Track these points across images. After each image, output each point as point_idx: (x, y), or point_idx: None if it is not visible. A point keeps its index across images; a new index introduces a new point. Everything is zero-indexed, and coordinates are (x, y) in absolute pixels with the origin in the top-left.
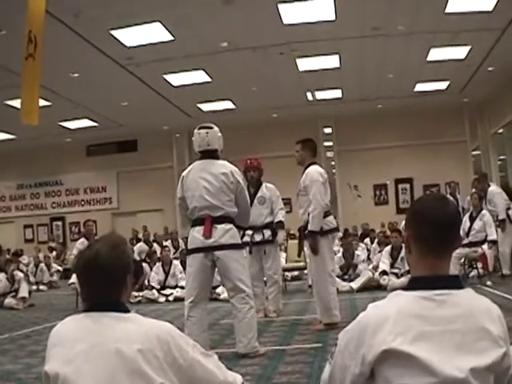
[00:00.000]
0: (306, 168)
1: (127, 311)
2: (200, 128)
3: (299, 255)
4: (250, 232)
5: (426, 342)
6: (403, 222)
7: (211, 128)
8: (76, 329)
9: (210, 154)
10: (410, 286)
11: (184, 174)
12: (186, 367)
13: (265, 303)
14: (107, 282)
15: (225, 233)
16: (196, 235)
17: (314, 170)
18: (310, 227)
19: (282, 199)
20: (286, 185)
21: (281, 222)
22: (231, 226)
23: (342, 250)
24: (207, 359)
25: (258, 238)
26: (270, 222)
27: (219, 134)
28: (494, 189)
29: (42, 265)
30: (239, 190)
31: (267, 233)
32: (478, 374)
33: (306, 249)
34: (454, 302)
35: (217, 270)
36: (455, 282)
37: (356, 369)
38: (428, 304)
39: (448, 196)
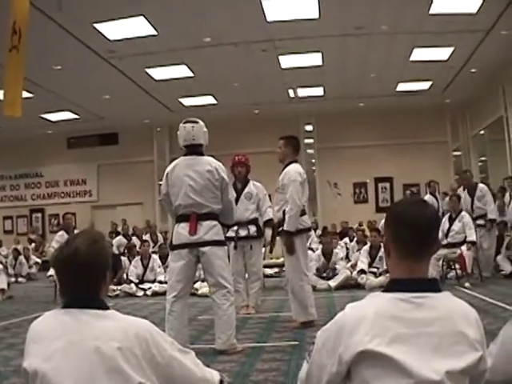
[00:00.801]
0: (286, 166)
1: (106, 308)
2: (185, 122)
3: (271, 251)
4: (235, 227)
5: (403, 344)
6: (382, 221)
7: (197, 122)
8: (55, 325)
9: (194, 149)
10: (389, 288)
11: (168, 169)
12: (164, 364)
13: (246, 299)
14: (86, 279)
15: (209, 229)
16: (181, 231)
17: (294, 169)
18: (285, 227)
19: None
20: (265, 181)
21: (270, 220)
22: (216, 222)
23: (321, 247)
24: (185, 356)
25: (243, 233)
26: (256, 218)
27: (205, 129)
28: (484, 186)
29: (21, 257)
30: (224, 187)
31: (252, 228)
32: (454, 376)
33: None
34: (431, 305)
35: (200, 265)
36: (433, 285)
37: (333, 368)
38: (406, 306)
39: (428, 196)
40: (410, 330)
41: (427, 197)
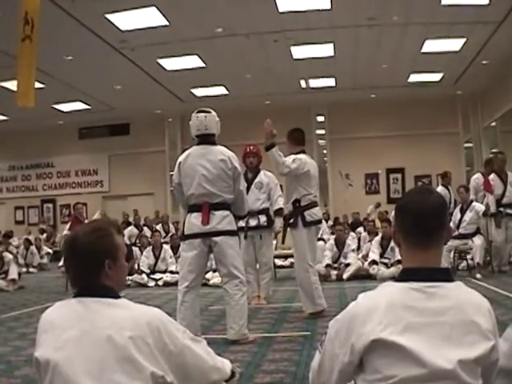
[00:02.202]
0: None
1: (118, 297)
2: (198, 112)
3: (283, 242)
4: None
5: (415, 333)
6: (393, 212)
7: (209, 112)
8: (66, 315)
9: (207, 139)
10: (401, 277)
11: (181, 159)
12: (177, 353)
13: (257, 290)
14: (84, 267)
15: (222, 219)
16: (193, 221)
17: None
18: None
19: None
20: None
21: (281, 209)
22: (228, 212)
23: (333, 237)
24: (197, 345)
25: (253, 222)
26: (266, 208)
27: (217, 119)
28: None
29: (33, 248)
30: (236, 176)
31: (262, 218)
32: (466, 366)
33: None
34: (443, 295)
35: (212, 255)
36: (445, 275)
37: (345, 357)
38: (418, 295)
39: (440, 187)
40: (423, 319)
41: (439, 188)
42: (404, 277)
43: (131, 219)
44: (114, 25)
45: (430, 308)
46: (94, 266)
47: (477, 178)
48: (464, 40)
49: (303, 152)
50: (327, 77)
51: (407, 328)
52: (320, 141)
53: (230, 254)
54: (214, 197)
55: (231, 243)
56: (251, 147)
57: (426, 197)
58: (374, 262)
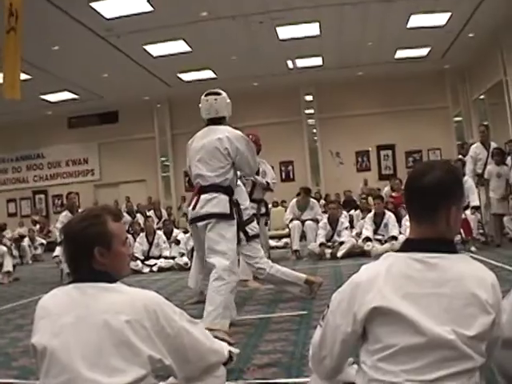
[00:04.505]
0: None
1: (114, 281)
2: (207, 94)
3: None
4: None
5: (414, 303)
6: (386, 188)
7: (220, 94)
8: (62, 301)
9: (216, 121)
10: (403, 248)
11: (189, 142)
12: (174, 335)
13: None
14: (75, 254)
15: (206, 203)
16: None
17: None
18: None
19: None
20: (267, 153)
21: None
22: (216, 194)
23: (326, 216)
24: (194, 327)
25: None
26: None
27: (228, 101)
28: None
29: (24, 244)
30: (238, 158)
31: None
32: (466, 338)
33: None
34: (444, 266)
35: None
36: (449, 247)
37: (348, 327)
38: (418, 266)
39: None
40: (421, 290)
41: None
42: (406, 247)
43: (123, 207)
44: (98, 13)
45: (429, 279)
46: (83, 254)
47: (476, 147)
48: (449, 14)
49: None
50: (314, 56)
51: (406, 297)
52: (309, 120)
53: (210, 238)
54: (205, 179)
55: (217, 227)
56: (250, 136)
57: (425, 173)
58: (367, 239)
